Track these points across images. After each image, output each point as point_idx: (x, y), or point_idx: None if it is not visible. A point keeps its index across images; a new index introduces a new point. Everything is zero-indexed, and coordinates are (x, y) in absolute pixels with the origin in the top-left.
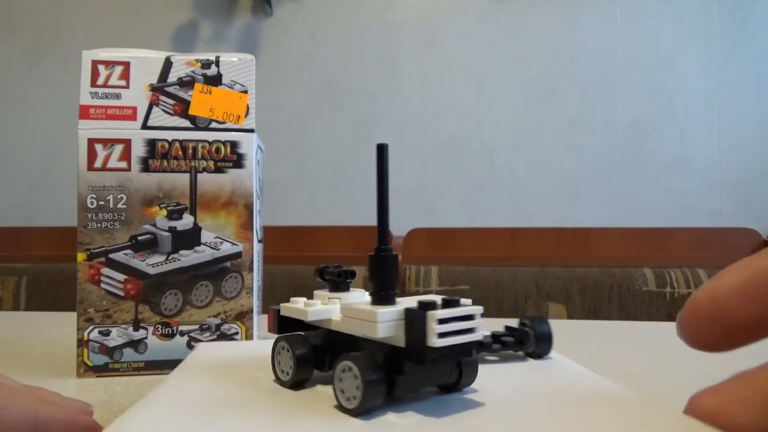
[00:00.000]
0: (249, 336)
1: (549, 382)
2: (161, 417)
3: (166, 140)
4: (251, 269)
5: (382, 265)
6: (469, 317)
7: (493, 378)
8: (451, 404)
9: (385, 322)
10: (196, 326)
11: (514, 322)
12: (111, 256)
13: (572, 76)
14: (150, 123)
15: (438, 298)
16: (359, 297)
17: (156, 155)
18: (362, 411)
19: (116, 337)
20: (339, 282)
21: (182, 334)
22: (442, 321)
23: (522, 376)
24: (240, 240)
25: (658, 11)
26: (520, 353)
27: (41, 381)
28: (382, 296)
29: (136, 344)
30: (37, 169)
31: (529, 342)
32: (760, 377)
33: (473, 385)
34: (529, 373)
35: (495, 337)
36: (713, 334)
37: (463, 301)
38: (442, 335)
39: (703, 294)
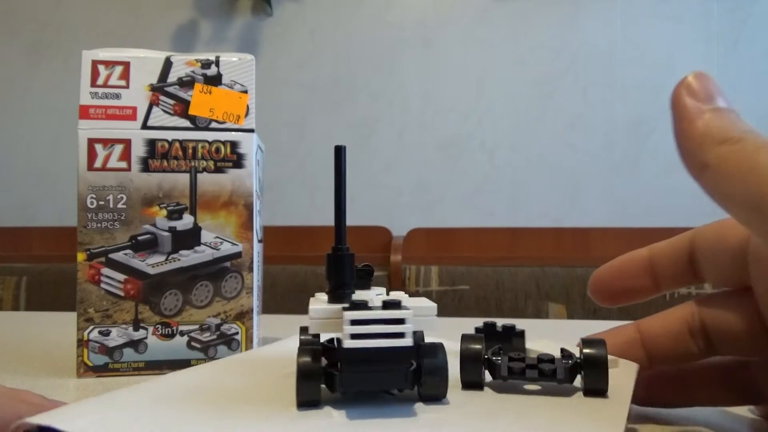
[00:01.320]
0: (249, 336)
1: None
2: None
3: (166, 140)
4: (251, 269)
5: (339, 264)
6: (397, 321)
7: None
8: (397, 410)
9: (317, 319)
10: (196, 326)
11: (523, 324)
12: (111, 256)
13: (572, 76)
14: (150, 123)
15: (390, 298)
16: (373, 294)
17: (156, 155)
18: (300, 403)
19: (116, 337)
20: (361, 279)
21: (182, 334)
22: (355, 322)
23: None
24: (240, 240)
25: (658, 11)
26: (567, 385)
27: (41, 381)
28: (338, 294)
29: (136, 344)
30: (37, 169)
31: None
32: (622, 329)
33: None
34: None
35: (537, 361)
36: (602, 295)
37: (418, 303)
38: (355, 336)
39: (599, 271)
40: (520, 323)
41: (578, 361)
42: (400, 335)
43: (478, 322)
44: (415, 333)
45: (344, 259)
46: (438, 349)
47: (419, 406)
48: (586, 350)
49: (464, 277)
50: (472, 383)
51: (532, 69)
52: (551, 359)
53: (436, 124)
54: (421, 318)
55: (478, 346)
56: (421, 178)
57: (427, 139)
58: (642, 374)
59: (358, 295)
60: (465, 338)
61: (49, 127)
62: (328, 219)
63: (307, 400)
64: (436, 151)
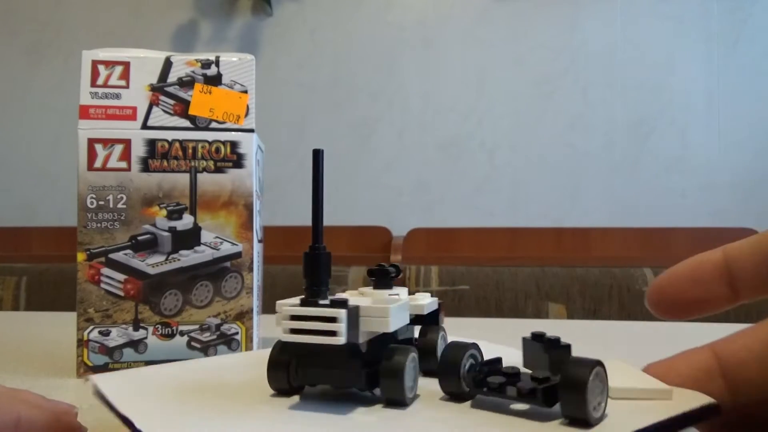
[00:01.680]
0: (249, 336)
1: None
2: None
3: (166, 140)
4: (251, 269)
5: (315, 263)
6: (330, 319)
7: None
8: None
9: (278, 314)
10: (196, 326)
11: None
12: (111, 256)
13: (572, 76)
14: (150, 123)
15: (341, 297)
16: (385, 294)
17: (156, 155)
18: (273, 390)
19: (116, 337)
20: (379, 279)
21: (182, 334)
22: (294, 317)
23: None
24: (240, 240)
25: (658, 11)
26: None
27: (41, 381)
28: (314, 291)
29: (136, 344)
30: (37, 169)
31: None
32: (694, 355)
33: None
34: None
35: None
36: (667, 308)
37: (379, 300)
38: (293, 331)
39: (662, 278)
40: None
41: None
42: (332, 333)
43: (479, 322)
44: (429, 334)
45: (320, 258)
46: (401, 351)
47: (370, 409)
48: (569, 369)
49: (464, 277)
50: (450, 393)
51: (532, 69)
52: (538, 378)
53: (436, 124)
54: (375, 319)
55: (457, 356)
56: (421, 178)
57: (427, 139)
58: (721, 412)
59: (371, 294)
60: (448, 348)
61: (49, 127)
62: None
63: (277, 388)
64: (436, 151)
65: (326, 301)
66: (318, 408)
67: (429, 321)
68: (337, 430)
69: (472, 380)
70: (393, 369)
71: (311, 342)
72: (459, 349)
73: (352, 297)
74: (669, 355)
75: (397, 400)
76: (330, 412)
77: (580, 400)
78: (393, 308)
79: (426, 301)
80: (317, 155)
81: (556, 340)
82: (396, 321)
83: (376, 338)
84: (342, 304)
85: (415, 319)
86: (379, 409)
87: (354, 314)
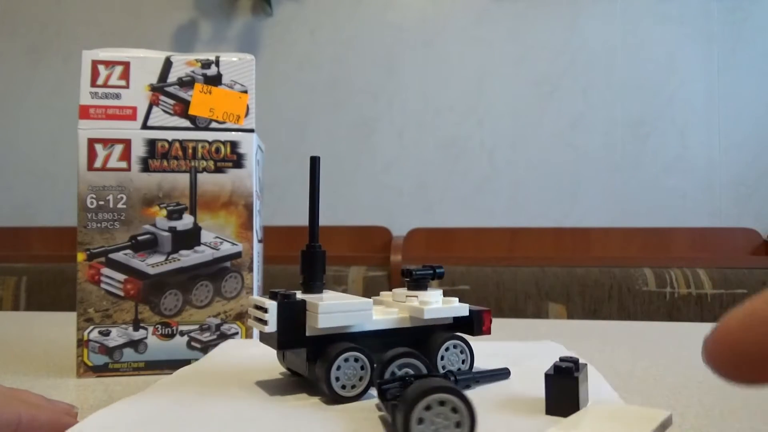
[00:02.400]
0: (249, 336)
1: None
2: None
3: (166, 140)
4: (251, 269)
5: (311, 259)
6: (263, 309)
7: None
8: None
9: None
10: (196, 326)
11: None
12: (111, 256)
13: (572, 76)
14: (150, 123)
15: (287, 291)
16: (433, 296)
17: (156, 155)
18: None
19: (116, 337)
20: (415, 281)
21: (182, 334)
22: (255, 307)
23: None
24: (240, 240)
25: (658, 11)
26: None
27: (41, 381)
28: (309, 285)
29: (136, 344)
30: (37, 169)
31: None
32: None
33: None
34: None
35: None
36: (742, 367)
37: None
38: (253, 318)
39: (734, 320)
40: (520, 323)
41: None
42: (264, 322)
43: None
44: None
45: (316, 255)
46: (337, 347)
47: (311, 399)
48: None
49: (464, 277)
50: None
51: (532, 69)
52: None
53: (436, 124)
54: (312, 314)
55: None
56: (421, 178)
57: (427, 139)
58: None
59: (421, 296)
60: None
61: (49, 127)
62: (328, 219)
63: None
64: (436, 151)
65: (288, 295)
66: (282, 390)
67: (460, 328)
68: (251, 403)
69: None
70: (322, 362)
71: (253, 327)
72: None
73: (376, 299)
74: (669, 355)
75: (325, 393)
76: (281, 393)
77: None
78: (323, 305)
79: (427, 306)
80: (314, 162)
81: (576, 361)
82: (330, 319)
83: (342, 334)
84: (283, 297)
85: (453, 324)
86: (317, 400)
87: (288, 308)
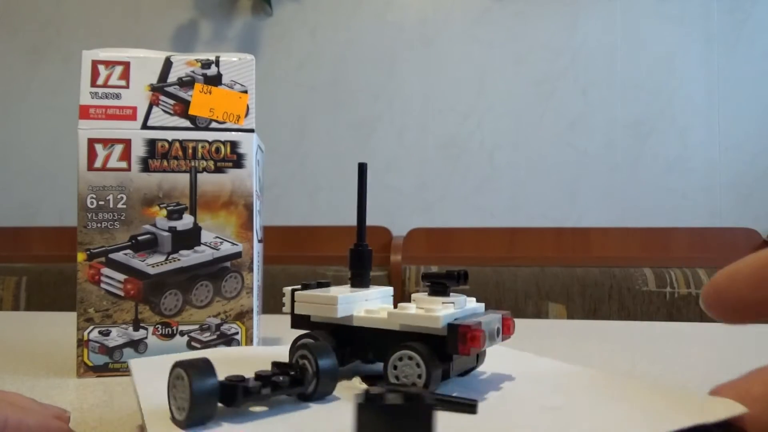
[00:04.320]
0: (249, 336)
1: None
2: None
3: (166, 140)
4: (251, 269)
5: (360, 257)
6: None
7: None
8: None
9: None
10: (196, 326)
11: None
12: (111, 256)
13: (572, 76)
14: (150, 123)
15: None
16: (435, 303)
17: (156, 155)
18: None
19: (116, 337)
20: (438, 287)
21: (182, 334)
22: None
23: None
24: (240, 240)
25: (658, 11)
26: (294, 396)
27: (41, 381)
28: (357, 280)
29: (136, 344)
30: (37, 169)
31: (307, 381)
32: (750, 257)
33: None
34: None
35: (263, 378)
36: (725, 310)
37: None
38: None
39: (721, 276)
40: (520, 323)
41: (314, 371)
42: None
43: None
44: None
45: (364, 254)
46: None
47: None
48: (319, 360)
49: None
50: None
51: (532, 69)
52: (278, 373)
53: (436, 124)
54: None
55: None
56: (421, 178)
57: (427, 139)
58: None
59: (421, 300)
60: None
61: (49, 127)
62: (328, 219)
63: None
64: (436, 151)
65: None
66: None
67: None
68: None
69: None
70: (328, 371)
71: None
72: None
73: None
74: (669, 355)
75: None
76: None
77: (332, 381)
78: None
79: (393, 311)
80: (362, 168)
81: None
82: (308, 308)
83: (345, 327)
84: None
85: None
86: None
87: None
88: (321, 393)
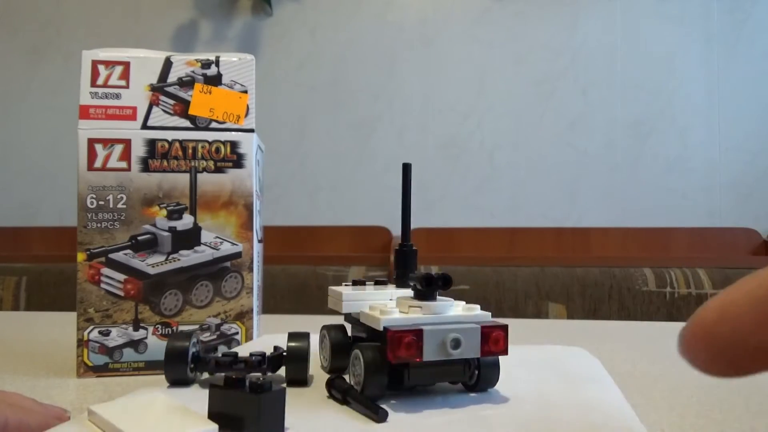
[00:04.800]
0: (249, 336)
1: None
2: None
3: (166, 140)
4: (251, 269)
5: (405, 257)
6: None
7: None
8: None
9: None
10: (196, 326)
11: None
12: (111, 256)
13: (572, 76)
14: (150, 123)
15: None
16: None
17: (156, 155)
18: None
19: (116, 337)
20: (421, 290)
21: None
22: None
23: None
24: (240, 240)
25: (658, 11)
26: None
27: (41, 381)
28: (403, 279)
29: (136, 344)
30: (37, 169)
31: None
32: (749, 282)
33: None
34: None
35: (234, 356)
36: (718, 360)
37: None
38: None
39: (710, 312)
40: (520, 323)
41: (283, 353)
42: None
43: None
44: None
45: (409, 253)
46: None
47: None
48: (289, 343)
49: (464, 277)
50: (174, 381)
51: (532, 69)
52: (261, 354)
53: (436, 124)
54: None
55: (185, 344)
56: (421, 178)
57: (427, 139)
58: None
59: (428, 307)
60: (173, 337)
61: (49, 127)
62: (328, 219)
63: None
64: (436, 151)
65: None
66: None
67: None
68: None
69: (215, 362)
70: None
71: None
72: (183, 337)
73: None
74: (669, 355)
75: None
76: None
77: (303, 365)
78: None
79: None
80: (406, 169)
81: None
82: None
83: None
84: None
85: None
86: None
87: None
88: (292, 378)
